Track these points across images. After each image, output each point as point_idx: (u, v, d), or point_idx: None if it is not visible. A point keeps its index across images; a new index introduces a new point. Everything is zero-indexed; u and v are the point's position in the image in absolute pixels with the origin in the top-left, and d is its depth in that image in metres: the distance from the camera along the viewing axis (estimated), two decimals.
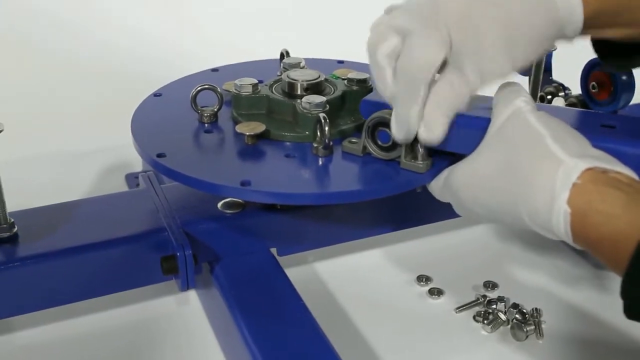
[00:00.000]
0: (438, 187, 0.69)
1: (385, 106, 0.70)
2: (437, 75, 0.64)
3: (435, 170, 0.69)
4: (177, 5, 1.54)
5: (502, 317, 0.76)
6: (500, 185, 0.60)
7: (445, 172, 0.68)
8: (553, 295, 0.81)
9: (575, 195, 0.55)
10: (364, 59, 0.68)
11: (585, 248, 0.56)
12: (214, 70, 0.93)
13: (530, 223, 0.59)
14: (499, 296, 0.79)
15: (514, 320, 0.75)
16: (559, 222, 0.56)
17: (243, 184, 0.67)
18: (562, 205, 0.55)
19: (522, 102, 0.62)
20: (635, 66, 0.72)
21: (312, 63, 0.87)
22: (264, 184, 0.68)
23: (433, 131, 0.65)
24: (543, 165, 0.57)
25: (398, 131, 0.66)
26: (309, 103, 0.74)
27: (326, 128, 0.71)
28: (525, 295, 0.80)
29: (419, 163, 0.69)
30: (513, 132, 0.61)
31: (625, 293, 0.52)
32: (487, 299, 0.79)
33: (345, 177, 0.71)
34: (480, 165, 0.63)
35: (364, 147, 0.72)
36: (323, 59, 0.95)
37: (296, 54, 0.88)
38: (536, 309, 0.77)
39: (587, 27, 0.64)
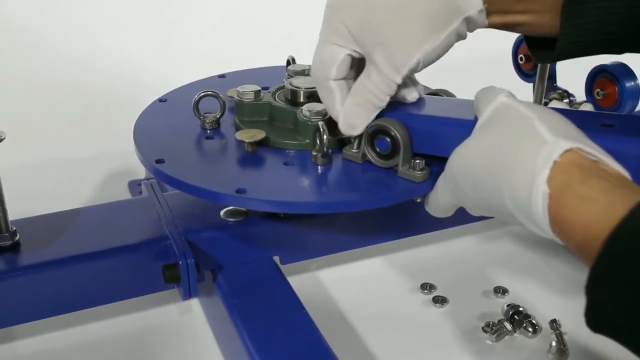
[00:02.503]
0: (439, 185, 0.68)
1: (385, 114, 0.70)
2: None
3: (433, 181, 0.69)
4: (189, 9, 1.53)
5: (508, 326, 0.75)
6: (487, 168, 0.59)
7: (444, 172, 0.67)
8: (558, 302, 0.81)
9: (555, 174, 0.53)
10: None
11: (560, 234, 0.54)
12: (221, 76, 0.93)
13: (512, 207, 0.56)
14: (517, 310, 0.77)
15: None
16: (537, 204, 0.53)
17: (238, 191, 0.67)
18: (540, 185, 0.53)
19: (505, 97, 0.62)
20: (552, 59, 0.72)
21: None
22: (259, 192, 0.68)
23: (353, 126, 0.70)
24: (527, 145, 0.56)
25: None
26: (309, 111, 0.74)
27: (325, 136, 0.70)
28: (530, 302, 0.79)
29: (416, 172, 0.69)
30: (502, 118, 0.61)
31: (588, 289, 0.49)
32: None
33: (341, 186, 0.70)
34: (471, 148, 0.62)
35: (364, 155, 0.71)
36: None
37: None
38: (555, 320, 0.75)
39: (493, 11, 0.67)
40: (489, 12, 0.67)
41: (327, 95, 0.71)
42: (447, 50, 0.68)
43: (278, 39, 1.40)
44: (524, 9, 0.67)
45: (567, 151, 0.54)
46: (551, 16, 0.66)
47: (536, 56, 0.73)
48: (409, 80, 0.71)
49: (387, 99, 0.69)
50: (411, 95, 0.71)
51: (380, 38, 0.66)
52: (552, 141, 0.55)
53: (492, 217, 0.91)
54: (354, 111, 0.70)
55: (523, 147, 0.56)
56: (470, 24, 0.68)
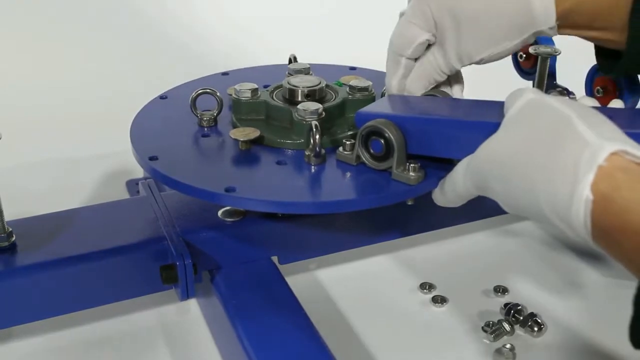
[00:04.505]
0: (459, 175, 0.65)
1: (380, 116, 0.69)
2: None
3: (427, 183, 0.68)
4: (193, 6, 1.52)
5: (506, 326, 0.75)
6: (520, 168, 0.56)
7: (465, 160, 0.64)
8: (558, 302, 0.80)
9: (600, 179, 0.50)
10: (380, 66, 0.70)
11: (603, 242, 0.51)
12: (224, 74, 0.93)
13: (548, 211, 0.53)
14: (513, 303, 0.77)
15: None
16: (579, 210, 0.50)
17: (227, 190, 0.67)
18: (584, 190, 0.50)
19: (533, 93, 0.60)
20: (621, 72, 0.73)
21: (324, 69, 0.87)
22: (249, 191, 0.67)
23: (410, 91, 0.74)
24: (566, 146, 0.52)
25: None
26: (304, 110, 0.73)
27: (317, 136, 0.70)
28: (530, 301, 0.79)
29: (411, 175, 0.68)
30: (533, 114, 0.58)
31: (637, 299, 0.47)
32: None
33: (332, 186, 0.69)
34: (500, 144, 0.59)
35: (357, 157, 0.71)
36: (336, 65, 0.94)
37: (325, 59, 0.88)
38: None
39: (563, 25, 0.69)
40: (559, 27, 0.68)
41: (393, 68, 0.74)
42: (508, 55, 0.72)
43: (288, 37, 1.39)
44: (599, 26, 0.67)
45: (612, 154, 0.51)
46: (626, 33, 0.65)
47: (602, 66, 0.73)
48: (459, 75, 0.76)
49: (443, 78, 0.74)
50: (457, 90, 0.76)
51: (458, 29, 0.70)
52: (595, 143, 0.51)
53: (493, 216, 0.91)
54: (414, 80, 0.74)
55: (562, 148, 0.53)
56: (538, 35, 0.70)
